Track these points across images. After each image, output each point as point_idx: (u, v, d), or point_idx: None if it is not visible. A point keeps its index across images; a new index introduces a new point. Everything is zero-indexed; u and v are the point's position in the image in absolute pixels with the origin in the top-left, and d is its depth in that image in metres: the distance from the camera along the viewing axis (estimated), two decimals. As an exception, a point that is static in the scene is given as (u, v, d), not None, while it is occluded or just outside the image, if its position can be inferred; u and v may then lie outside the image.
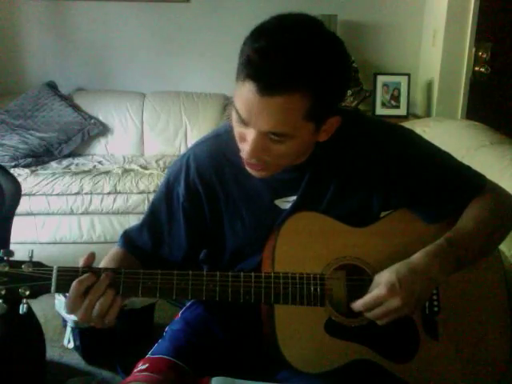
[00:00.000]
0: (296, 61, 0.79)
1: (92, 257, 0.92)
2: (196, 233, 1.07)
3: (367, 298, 0.92)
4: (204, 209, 1.05)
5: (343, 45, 0.86)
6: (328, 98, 0.86)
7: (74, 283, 0.88)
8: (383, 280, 0.92)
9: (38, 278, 0.89)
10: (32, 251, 0.91)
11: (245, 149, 0.89)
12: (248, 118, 0.84)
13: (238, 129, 0.89)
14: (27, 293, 0.88)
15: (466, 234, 0.98)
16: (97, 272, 0.91)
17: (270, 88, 0.79)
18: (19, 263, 0.89)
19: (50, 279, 0.89)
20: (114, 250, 1.08)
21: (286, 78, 0.79)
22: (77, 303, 0.89)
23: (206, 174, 1.04)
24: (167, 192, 1.07)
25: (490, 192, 1.05)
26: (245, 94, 0.82)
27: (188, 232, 1.06)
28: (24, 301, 0.89)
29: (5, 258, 0.89)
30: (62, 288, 0.90)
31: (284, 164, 0.95)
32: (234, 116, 0.88)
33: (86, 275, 0.89)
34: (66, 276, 0.90)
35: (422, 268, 0.93)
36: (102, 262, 1.01)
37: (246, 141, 0.88)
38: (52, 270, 0.90)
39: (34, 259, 0.91)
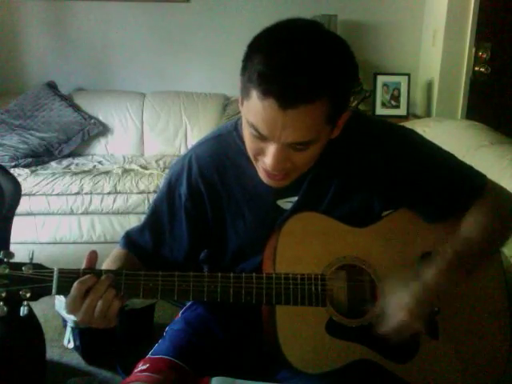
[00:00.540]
0: (315, 70, 0.79)
1: (94, 254, 0.92)
2: (197, 233, 1.07)
3: (392, 325, 0.93)
4: (206, 209, 1.05)
5: (346, 42, 0.86)
6: (343, 99, 0.87)
7: (76, 284, 0.88)
8: (403, 304, 0.93)
9: (38, 280, 0.89)
10: (32, 252, 0.91)
11: (266, 162, 0.88)
12: (270, 134, 0.83)
13: (254, 144, 0.88)
14: (28, 295, 0.88)
15: (471, 243, 0.98)
16: (98, 273, 0.90)
17: (293, 101, 0.79)
18: (19, 265, 0.89)
19: (51, 281, 0.89)
20: (116, 250, 1.08)
21: (309, 89, 0.79)
22: (78, 304, 0.88)
23: (209, 174, 1.03)
24: (169, 192, 1.07)
25: (491, 192, 1.04)
26: (265, 110, 0.81)
27: (189, 232, 1.06)
28: (25, 303, 0.88)
29: (5, 259, 0.89)
30: (63, 290, 0.89)
31: (306, 169, 0.94)
32: (250, 132, 0.86)
33: (87, 276, 0.89)
34: (67, 278, 0.89)
35: (434, 287, 0.94)
36: (104, 264, 1.01)
37: (266, 155, 0.87)
38: (53, 272, 0.89)
39: (35, 259, 0.91)
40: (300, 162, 0.89)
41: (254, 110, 0.82)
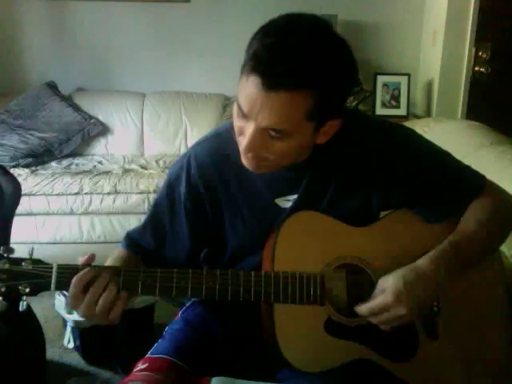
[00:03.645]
0: (303, 60, 0.79)
1: (92, 257, 0.92)
2: (198, 232, 1.07)
3: (373, 303, 0.92)
4: (205, 208, 1.05)
5: (350, 50, 0.86)
6: (331, 100, 0.86)
7: (74, 280, 0.88)
8: (389, 286, 0.91)
9: (37, 275, 0.89)
10: (32, 248, 0.91)
11: (242, 142, 0.89)
12: (249, 112, 0.84)
13: (238, 123, 0.89)
14: (27, 290, 0.88)
15: (468, 237, 0.98)
16: (96, 268, 0.91)
17: (276, 83, 0.79)
18: (19, 260, 0.89)
19: (50, 276, 0.89)
20: (117, 251, 1.08)
21: (293, 75, 0.79)
22: (78, 299, 0.88)
23: (207, 173, 1.04)
24: (169, 192, 1.07)
25: (490, 192, 1.05)
26: (249, 87, 0.82)
27: (190, 232, 1.06)
28: (24, 298, 0.89)
29: (5, 255, 0.89)
30: (62, 285, 0.90)
31: (283, 164, 0.94)
32: (236, 109, 0.88)
33: (84, 270, 0.89)
34: (66, 273, 0.90)
35: (428, 274, 0.92)
36: (106, 264, 1.01)
37: (245, 135, 0.88)
38: (52, 268, 0.90)
39: (34, 258, 0.91)
40: (275, 153, 0.89)
41: (243, 86, 0.84)
